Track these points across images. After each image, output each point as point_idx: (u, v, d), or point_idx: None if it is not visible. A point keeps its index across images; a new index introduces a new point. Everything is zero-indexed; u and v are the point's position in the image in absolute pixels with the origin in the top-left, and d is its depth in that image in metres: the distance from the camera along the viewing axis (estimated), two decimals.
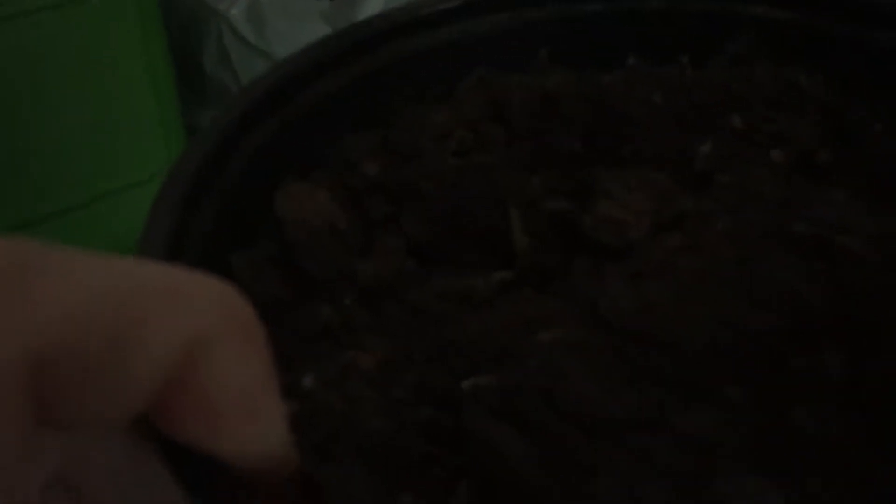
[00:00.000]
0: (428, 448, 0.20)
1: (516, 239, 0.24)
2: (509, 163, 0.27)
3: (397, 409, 0.20)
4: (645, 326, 0.22)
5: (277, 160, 0.27)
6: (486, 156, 0.28)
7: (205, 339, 0.14)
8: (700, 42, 0.30)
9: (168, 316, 0.14)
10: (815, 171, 0.25)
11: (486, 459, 0.19)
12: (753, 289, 0.22)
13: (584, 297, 0.23)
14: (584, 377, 0.21)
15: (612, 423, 0.20)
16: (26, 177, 0.63)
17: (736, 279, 0.22)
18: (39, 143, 0.62)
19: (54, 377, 0.12)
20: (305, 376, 0.21)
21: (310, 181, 0.27)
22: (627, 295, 0.22)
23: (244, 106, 0.26)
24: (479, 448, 0.19)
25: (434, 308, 0.23)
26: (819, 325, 0.21)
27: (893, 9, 0.26)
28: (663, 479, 0.18)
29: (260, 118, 0.27)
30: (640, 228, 0.25)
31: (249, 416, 0.15)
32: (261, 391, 0.16)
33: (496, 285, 0.23)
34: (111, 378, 0.13)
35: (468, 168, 0.27)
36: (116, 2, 0.62)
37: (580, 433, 0.19)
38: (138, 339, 0.13)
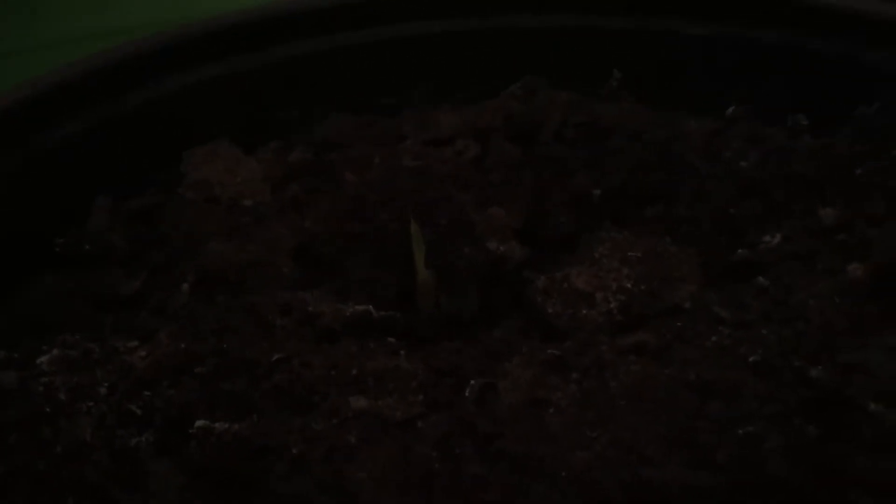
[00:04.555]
0: None
1: (417, 270, 0.17)
2: (482, 184, 0.20)
3: (121, 433, 0.15)
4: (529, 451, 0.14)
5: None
6: (467, 172, 0.21)
7: None
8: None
9: None
10: None
11: None
12: None
13: (460, 372, 0.16)
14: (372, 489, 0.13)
15: None
16: None
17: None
18: None
19: None
20: (48, 354, 0.16)
21: (246, 147, 0.22)
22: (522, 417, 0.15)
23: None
24: None
25: (265, 318, 0.17)
26: None
27: None
28: None
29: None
30: (597, 313, 0.17)
31: None
32: None
33: (351, 318, 0.17)
34: None
35: (418, 173, 0.20)
36: None
37: None
38: None
